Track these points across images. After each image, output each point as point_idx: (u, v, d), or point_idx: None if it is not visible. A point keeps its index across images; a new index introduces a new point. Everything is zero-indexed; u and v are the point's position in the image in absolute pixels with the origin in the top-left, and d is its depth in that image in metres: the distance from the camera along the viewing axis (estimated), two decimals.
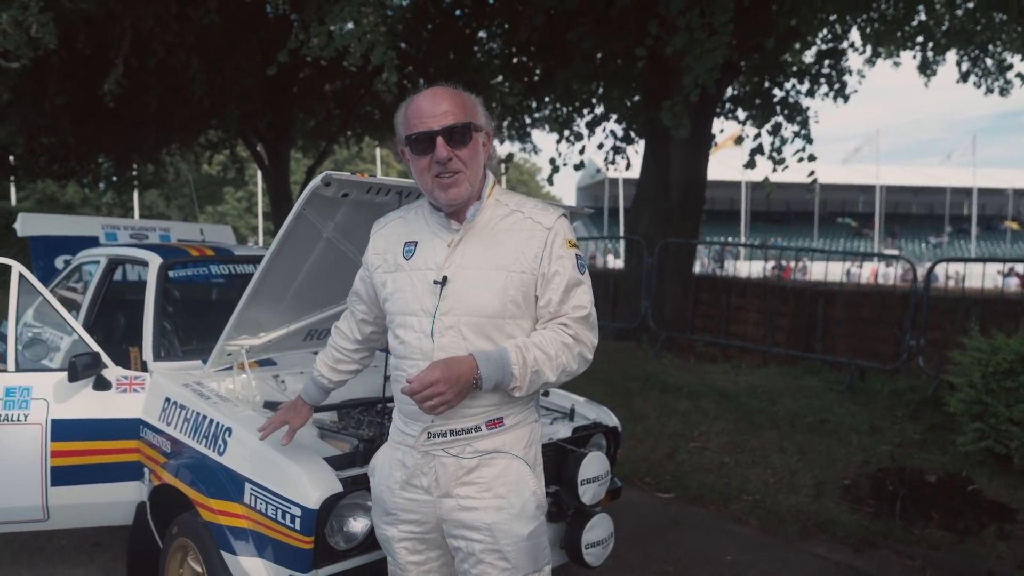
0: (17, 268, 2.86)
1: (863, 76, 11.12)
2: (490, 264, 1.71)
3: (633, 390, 6.23)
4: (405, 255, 1.79)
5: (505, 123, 11.79)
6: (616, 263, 16.40)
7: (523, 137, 13.36)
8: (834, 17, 8.46)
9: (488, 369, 1.63)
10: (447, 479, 1.74)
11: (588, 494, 2.59)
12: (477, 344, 1.68)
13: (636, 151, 9.49)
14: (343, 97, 13.11)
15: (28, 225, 4.93)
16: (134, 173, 15.25)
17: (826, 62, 9.31)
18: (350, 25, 5.61)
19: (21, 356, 2.84)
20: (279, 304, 2.70)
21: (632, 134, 9.24)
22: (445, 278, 1.70)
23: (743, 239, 37.38)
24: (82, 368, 2.74)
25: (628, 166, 9.49)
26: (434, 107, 1.67)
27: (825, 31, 9.21)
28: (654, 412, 5.72)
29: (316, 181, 2.18)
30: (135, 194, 28.56)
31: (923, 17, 9.43)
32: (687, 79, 6.03)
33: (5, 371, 2.80)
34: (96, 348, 2.83)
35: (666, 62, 6.89)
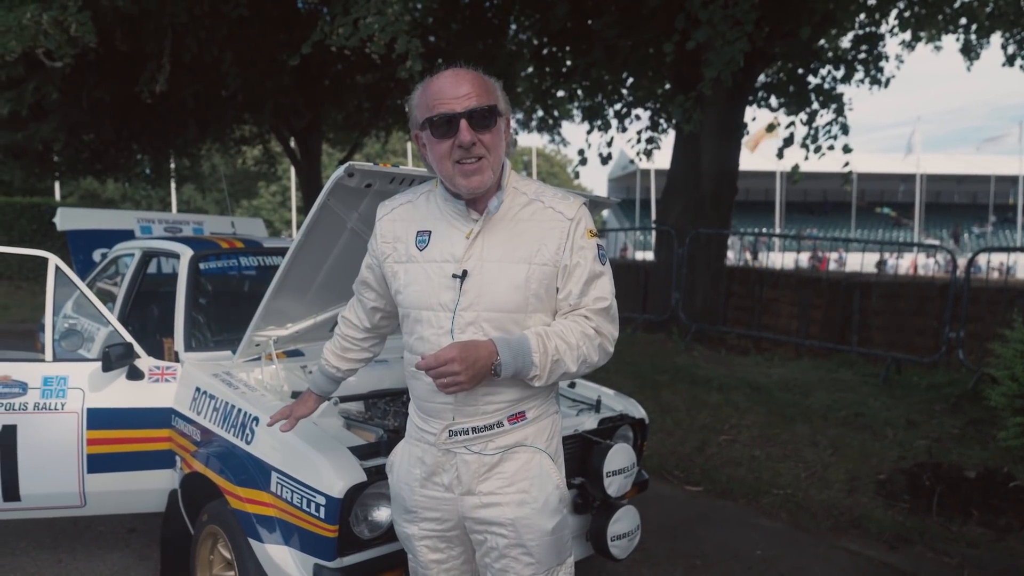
0: (53, 261, 2.93)
1: (901, 61, 10.83)
2: (511, 257, 1.63)
3: (662, 382, 6.18)
4: (418, 245, 1.69)
5: (536, 115, 11.74)
6: (647, 255, 16.27)
7: (551, 129, 13.29)
8: (873, 1, 8.22)
9: (507, 355, 1.57)
10: (469, 476, 1.69)
11: (614, 486, 2.57)
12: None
13: (660, 141, 9.37)
14: (373, 90, 13.18)
15: (67, 219, 5.07)
16: (171, 167, 15.58)
17: (863, 47, 9.08)
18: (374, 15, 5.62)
19: (57, 346, 2.91)
20: (305, 295, 2.72)
21: (661, 123, 9.12)
22: (465, 272, 1.62)
23: (778, 230, 36.75)
24: (115, 358, 2.80)
25: (649, 154, 9.29)
26: (456, 88, 1.56)
27: (862, 16, 8.96)
28: (684, 405, 5.66)
29: (339, 171, 2.18)
30: (172, 189, 29.18)
31: None
32: (708, 72, 5.94)
33: (43, 360, 2.87)
34: (129, 339, 2.89)
35: (695, 52, 6.79)
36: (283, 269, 2.49)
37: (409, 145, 34.67)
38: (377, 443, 2.33)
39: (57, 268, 2.93)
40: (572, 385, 3.25)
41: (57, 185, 24.42)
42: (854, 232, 39.81)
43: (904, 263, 22.32)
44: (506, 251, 1.64)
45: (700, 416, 5.44)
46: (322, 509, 2.08)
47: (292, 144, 13.83)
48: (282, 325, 2.81)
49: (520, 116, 14.06)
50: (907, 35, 9.97)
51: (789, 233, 29.40)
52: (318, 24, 6.02)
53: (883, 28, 9.16)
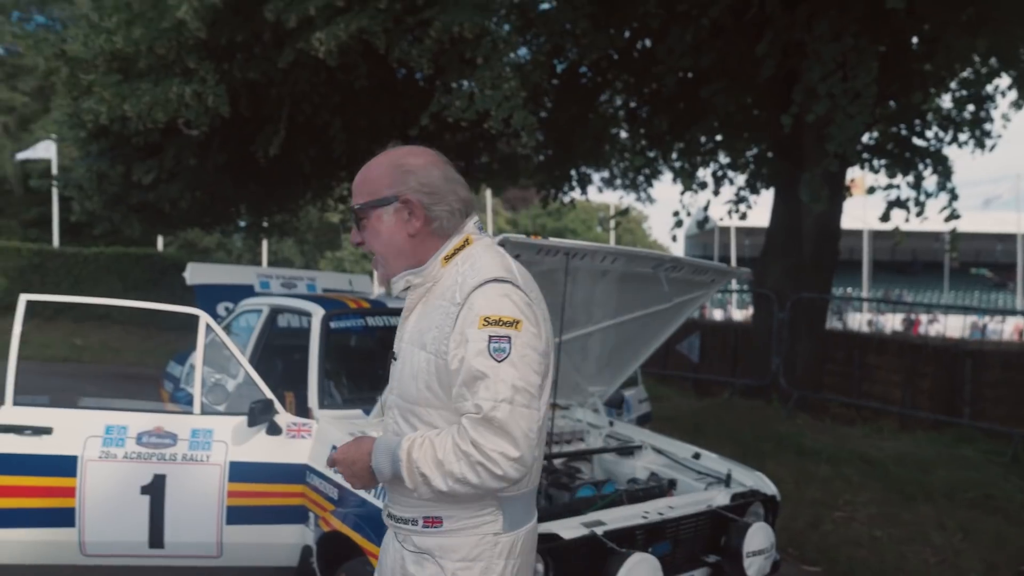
0: (204, 318, 3.11)
1: (1008, 120, 10.41)
2: (416, 341, 1.55)
3: (766, 451, 5.96)
4: None
5: (629, 175, 11.84)
6: (737, 314, 15.92)
7: (637, 187, 13.30)
8: (984, 69, 8.02)
9: (382, 459, 1.50)
10: (390, 563, 1.62)
11: (754, 567, 2.49)
12: (405, 430, 1.55)
13: (755, 201, 9.23)
14: (463, 148, 13.59)
15: (196, 274, 5.41)
16: (266, 222, 16.41)
17: (968, 107, 8.79)
18: (489, 92, 5.85)
19: (205, 400, 3.07)
20: None
21: (758, 184, 9.02)
22: (394, 354, 1.64)
23: (865, 291, 35.36)
24: (259, 413, 2.93)
25: (743, 216, 9.12)
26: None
27: (969, 73, 8.71)
28: (791, 477, 5.42)
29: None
30: (264, 241, 30.59)
31: None
32: (829, 146, 5.84)
33: (192, 413, 3.03)
34: (270, 395, 3.02)
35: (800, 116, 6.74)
36: None
37: (489, 200, 35.35)
38: None
39: (207, 325, 3.11)
40: (697, 456, 3.18)
41: (160, 236, 25.98)
42: (947, 294, 37.89)
43: (1007, 327, 21.02)
44: (413, 335, 1.57)
45: (810, 490, 5.20)
46: None
47: None
48: None
49: (605, 174, 14.19)
50: (1014, 94, 9.62)
51: (877, 296, 28.25)
52: (435, 95, 6.31)
53: (991, 87, 8.86)
